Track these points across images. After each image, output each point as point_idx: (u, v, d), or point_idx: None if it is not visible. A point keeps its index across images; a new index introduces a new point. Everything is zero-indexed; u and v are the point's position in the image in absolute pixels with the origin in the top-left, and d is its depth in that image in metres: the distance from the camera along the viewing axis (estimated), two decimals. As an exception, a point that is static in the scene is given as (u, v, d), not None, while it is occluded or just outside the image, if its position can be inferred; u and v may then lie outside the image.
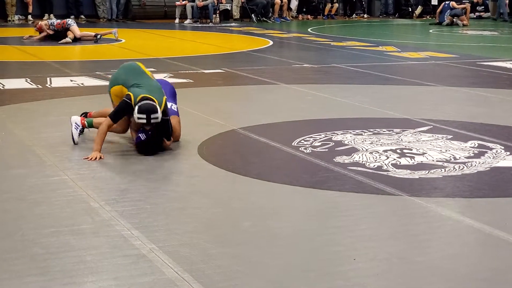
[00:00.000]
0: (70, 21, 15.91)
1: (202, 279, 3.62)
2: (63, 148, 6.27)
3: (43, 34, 15.73)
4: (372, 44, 16.20)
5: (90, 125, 6.46)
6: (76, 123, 6.41)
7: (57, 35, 15.72)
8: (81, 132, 6.47)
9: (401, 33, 21.25)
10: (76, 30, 15.78)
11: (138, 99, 6.00)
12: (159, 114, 5.92)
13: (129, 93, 6.08)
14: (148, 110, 5.88)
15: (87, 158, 5.86)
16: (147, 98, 5.99)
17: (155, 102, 5.97)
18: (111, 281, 3.60)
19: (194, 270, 3.72)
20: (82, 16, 23.15)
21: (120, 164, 5.87)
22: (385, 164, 5.81)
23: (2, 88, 9.55)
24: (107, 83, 9.98)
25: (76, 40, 15.67)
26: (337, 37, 18.38)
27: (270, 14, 24.42)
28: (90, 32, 16.39)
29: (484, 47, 16.62)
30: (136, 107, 5.93)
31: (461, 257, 4.03)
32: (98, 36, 15.91)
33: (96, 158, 5.84)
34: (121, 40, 16.55)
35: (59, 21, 15.99)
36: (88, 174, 5.51)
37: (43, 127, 7.15)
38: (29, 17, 21.29)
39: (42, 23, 16.01)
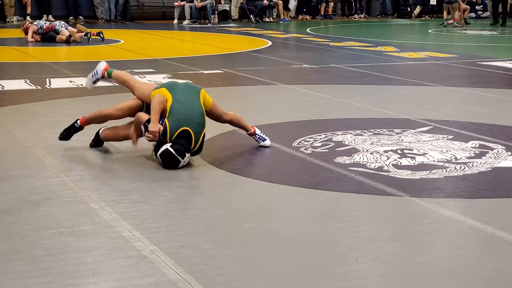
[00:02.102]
0: (59, 26, 15.84)
1: (203, 280, 3.60)
2: (63, 149, 6.26)
3: (31, 39, 15.64)
4: (371, 44, 16.20)
5: (109, 75, 6.45)
6: (96, 73, 6.46)
7: (46, 39, 15.67)
8: (77, 129, 6.32)
9: (400, 33, 21.25)
10: (66, 33, 15.73)
11: (175, 135, 5.63)
12: (181, 164, 5.60)
13: (166, 120, 5.69)
14: (167, 165, 5.60)
15: (149, 134, 5.65)
16: (184, 135, 5.64)
17: (191, 135, 5.66)
18: (112, 283, 3.58)
19: (196, 271, 3.71)
20: (81, 17, 23.13)
21: (120, 166, 5.86)
22: (386, 164, 5.80)
23: (1, 89, 9.54)
24: (106, 84, 10.00)
25: (69, 42, 15.64)
26: (335, 37, 18.37)
27: (269, 14, 24.45)
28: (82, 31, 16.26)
29: (484, 46, 16.62)
30: (163, 149, 5.57)
31: (463, 258, 4.02)
32: (89, 35, 15.84)
33: (159, 129, 5.63)
34: (120, 41, 16.54)
35: (47, 24, 15.95)
36: (89, 176, 5.50)
37: (43, 128, 7.13)
38: (28, 18, 21.27)
39: (30, 25, 15.96)
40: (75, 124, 6.32)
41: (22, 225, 4.40)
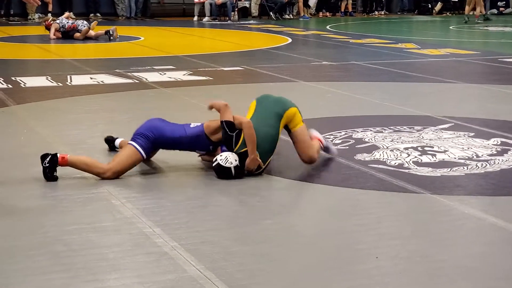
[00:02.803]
0: (81, 26, 15.90)
1: (224, 276, 3.61)
2: (84, 145, 6.29)
3: (53, 36, 15.75)
4: (392, 41, 16.14)
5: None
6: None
7: (67, 36, 15.78)
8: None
9: (421, 30, 21.15)
10: (89, 32, 15.83)
11: (240, 151, 5.30)
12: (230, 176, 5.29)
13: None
14: (220, 175, 5.31)
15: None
16: (245, 157, 5.29)
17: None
18: (133, 279, 3.60)
19: (216, 268, 3.71)
20: (98, 14, 23.21)
21: (140, 162, 5.87)
22: (406, 161, 5.78)
23: (23, 86, 9.60)
24: (126, 80, 10.06)
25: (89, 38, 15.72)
26: (356, 34, 18.32)
27: (289, 11, 24.42)
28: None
29: (506, 43, 16.51)
30: (222, 158, 5.26)
31: (485, 256, 3.99)
32: (111, 32, 15.91)
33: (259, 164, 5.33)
34: (140, 38, 16.59)
35: (70, 23, 16.01)
36: (109, 172, 5.52)
37: (64, 125, 7.17)
38: (49, 15, 21.39)
39: (52, 23, 16.06)
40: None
41: (44, 221, 4.43)
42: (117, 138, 6.10)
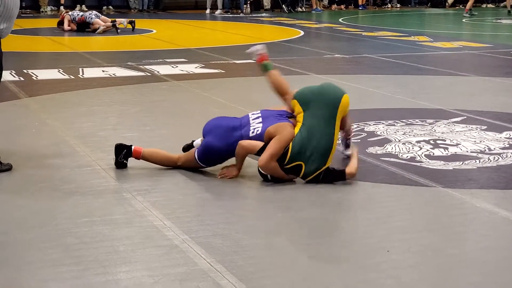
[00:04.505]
0: (89, 18, 15.89)
1: (234, 270, 3.61)
2: (96, 138, 6.30)
3: (67, 27, 15.81)
4: (404, 34, 16.07)
5: None
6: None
7: (81, 28, 15.83)
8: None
9: (434, 23, 21.04)
10: (99, 22, 15.83)
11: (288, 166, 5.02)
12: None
13: (290, 146, 5.02)
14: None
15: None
16: (295, 170, 5.03)
17: (301, 169, 5.02)
18: (144, 272, 3.60)
19: (227, 261, 3.71)
20: (110, 7, 23.22)
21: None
22: (418, 155, 5.75)
23: (35, 78, 9.62)
24: (138, 73, 10.07)
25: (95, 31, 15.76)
26: (368, 27, 18.25)
27: (301, 4, 24.37)
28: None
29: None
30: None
31: (497, 250, 3.97)
32: (116, 24, 15.91)
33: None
34: (152, 31, 16.59)
35: (79, 16, 16.04)
36: (121, 165, 5.52)
37: (76, 117, 7.18)
38: (61, 8, 21.42)
39: (65, 15, 16.12)
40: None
41: (55, 214, 4.44)
42: (194, 140, 5.64)
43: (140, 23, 17.26)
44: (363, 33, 16.36)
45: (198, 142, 5.52)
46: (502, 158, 5.69)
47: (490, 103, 8.03)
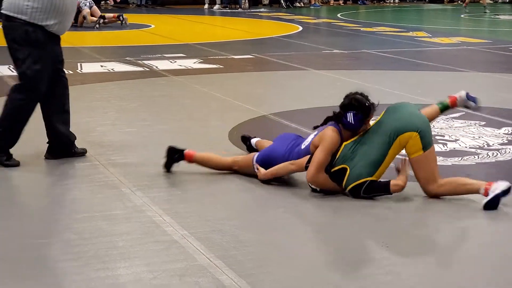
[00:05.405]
0: (82, 4, 15.64)
1: (234, 265, 3.61)
2: (95, 133, 6.30)
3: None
4: (402, 29, 16.06)
5: None
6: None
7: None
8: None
9: (432, 18, 21.04)
10: (87, 11, 15.64)
11: (337, 167, 4.64)
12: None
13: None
14: None
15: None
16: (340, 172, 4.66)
17: (346, 170, 4.63)
18: (143, 267, 3.60)
19: (226, 256, 3.71)
20: (109, 2, 23.16)
21: (150, 151, 5.87)
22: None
23: (33, 73, 9.60)
24: (137, 68, 10.05)
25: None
26: (367, 22, 18.24)
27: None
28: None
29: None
30: None
31: (496, 245, 3.98)
32: (101, 21, 15.80)
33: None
34: (150, 26, 16.57)
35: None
36: (120, 160, 5.52)
37: (74, 113, 7.13)
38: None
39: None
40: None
41: (55, 209, 4.44)
42: (254, 137, 5.64)
43: (138, 18, 17.26)
44: (362, 29, 16.35)
45: (253, 141, 5.51)
46: (500, 153, 5.69)
47: (489, 99, 8.00)
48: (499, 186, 4.42)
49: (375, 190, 4.58)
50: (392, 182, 4.56)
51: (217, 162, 5.21)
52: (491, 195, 4.39)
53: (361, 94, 4.79)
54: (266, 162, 4.96)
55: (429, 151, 4.58)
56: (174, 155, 5.18)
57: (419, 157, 4.56)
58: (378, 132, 4.65)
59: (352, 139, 4.69)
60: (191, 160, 5.18)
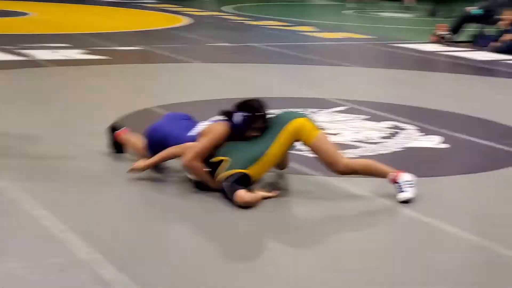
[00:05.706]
0: None
1: (114, 259, 3.51)
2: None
3: None
4: (289, 23, 16.23)
5: None
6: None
7: None
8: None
9: (318, 14, 21.37)
10: None
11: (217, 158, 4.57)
12: None
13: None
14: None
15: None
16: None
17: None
18: (19, 263, 3.46)
19: (106, 250, 3.61)
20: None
21: (27, 144, 5.68)
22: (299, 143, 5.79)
23: None
24: (19, 58, 9.71)
25: None
26: (253, 16, 18.33)
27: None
28: None
29: (397, 29, 16.86)
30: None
31: (375, 238, 4.07)
32: None
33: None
34: (29, 13, 16.09)
35: None
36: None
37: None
38: None
39: None
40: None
41: None
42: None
43: (15, 5, 16.71)
44: (248, 22, 16.43)
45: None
46: (381, 147, 5.81)
47: (371, 94, 8.21)
48: (405, 177, 4.59)
49: (235, 182, 4.42)
50: (239, 193, 4.34)
51: (137, 146, 5.12)
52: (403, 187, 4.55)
53: (259, 102, 4.78)
54: (163, 145, 4.82)
55: (323, 132, 4.71)
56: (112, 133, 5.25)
57: (318, 137, 4.60)
58: (264, 134, 4.65)
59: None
60: (118, 139, 5.22)
